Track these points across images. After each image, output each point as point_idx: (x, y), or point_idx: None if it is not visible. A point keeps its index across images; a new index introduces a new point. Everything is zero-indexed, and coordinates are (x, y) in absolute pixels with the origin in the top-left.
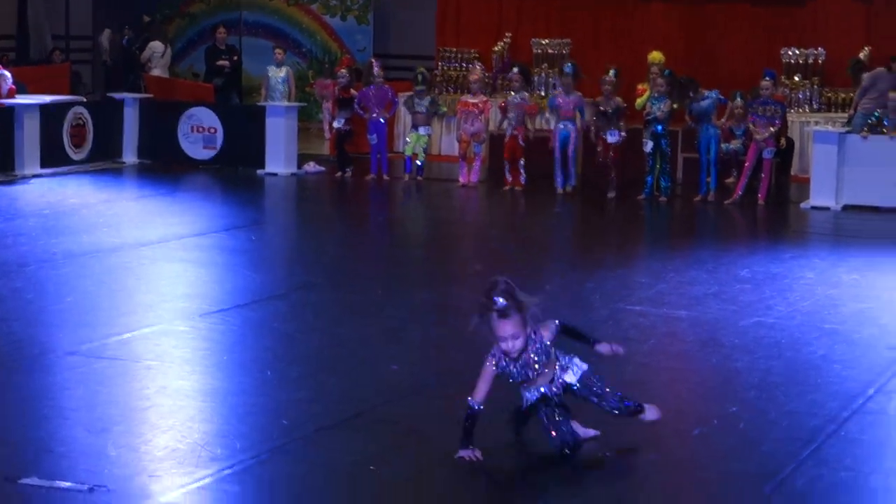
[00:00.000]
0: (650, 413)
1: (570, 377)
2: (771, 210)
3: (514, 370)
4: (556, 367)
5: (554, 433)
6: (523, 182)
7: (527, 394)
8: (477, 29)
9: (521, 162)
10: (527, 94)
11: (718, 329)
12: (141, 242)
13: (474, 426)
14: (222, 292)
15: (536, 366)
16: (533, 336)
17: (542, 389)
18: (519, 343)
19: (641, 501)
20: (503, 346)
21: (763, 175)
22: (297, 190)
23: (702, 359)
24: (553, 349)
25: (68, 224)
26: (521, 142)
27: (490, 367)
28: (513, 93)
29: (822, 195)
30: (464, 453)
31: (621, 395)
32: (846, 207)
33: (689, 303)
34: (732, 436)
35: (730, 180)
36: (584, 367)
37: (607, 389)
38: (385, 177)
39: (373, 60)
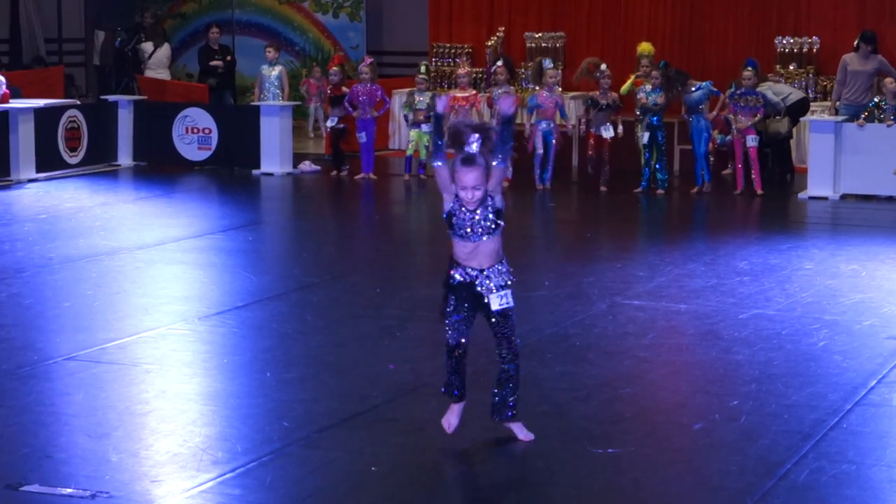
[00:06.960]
0: (518, 431)
1: (495, 303)
2: (769, 201)
3: (462, 217)
4: (490, 277)
5: (448, 329)
6: (510, 176)
7: (454, 272)
8: (470, 24)
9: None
10: (511, 87)
11: (718, 322)
12: (138, 245)
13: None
14: (221, 294)
15: (480, 228)
16: (490, 198)
17: (460, 277)
18: (478, 194)
19: (642, 496)
20: (462, 194)
21: (752, 164)
22: (293, 189)
23: (701, 352)
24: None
25: (65, 228)
26: None
27: (444, 207)
28: (496, 87)
29: (819, 185)
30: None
31: (514, 359)
32: (844, 196)
33: (687, 296)
34: (733, 429)
35: (726, 171)
36: (511, 304)
37: (514, 340)
38: (372, 176)
39: (367, 59)
